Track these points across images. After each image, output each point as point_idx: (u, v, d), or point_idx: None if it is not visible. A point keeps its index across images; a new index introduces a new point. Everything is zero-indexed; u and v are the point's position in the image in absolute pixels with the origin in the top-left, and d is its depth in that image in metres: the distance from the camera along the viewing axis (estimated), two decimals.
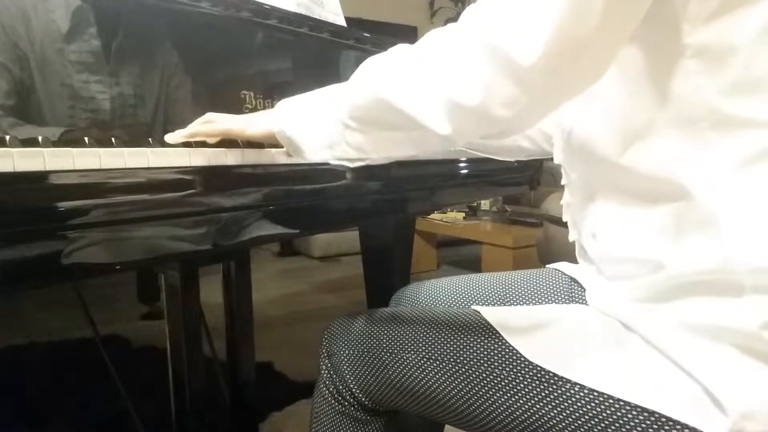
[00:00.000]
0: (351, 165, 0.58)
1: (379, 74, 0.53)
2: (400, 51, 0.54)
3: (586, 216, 0.63)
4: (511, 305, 0.79)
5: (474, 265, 3.15)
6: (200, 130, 0.64)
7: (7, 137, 0.51)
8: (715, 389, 0.48)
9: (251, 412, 1.12)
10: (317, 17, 1.01)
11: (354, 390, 0.69)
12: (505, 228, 2.91)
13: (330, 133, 0.55)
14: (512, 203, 3.61)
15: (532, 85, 0.45)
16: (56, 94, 0.65)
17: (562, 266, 0.82)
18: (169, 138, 0.64)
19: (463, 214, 3.24)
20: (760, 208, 0.48)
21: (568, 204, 0.70)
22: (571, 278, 0.80)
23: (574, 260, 0.77)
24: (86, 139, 0.56)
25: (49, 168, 0.46)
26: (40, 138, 0.51)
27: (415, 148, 0.54)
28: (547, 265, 0.85)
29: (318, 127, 0.56)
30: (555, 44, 0.43)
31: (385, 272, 1.62)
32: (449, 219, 3.15)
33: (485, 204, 3.43)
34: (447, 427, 0.95)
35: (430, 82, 0.48)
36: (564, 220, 0.71)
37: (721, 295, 0.49)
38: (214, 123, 0.65)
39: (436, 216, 3.17)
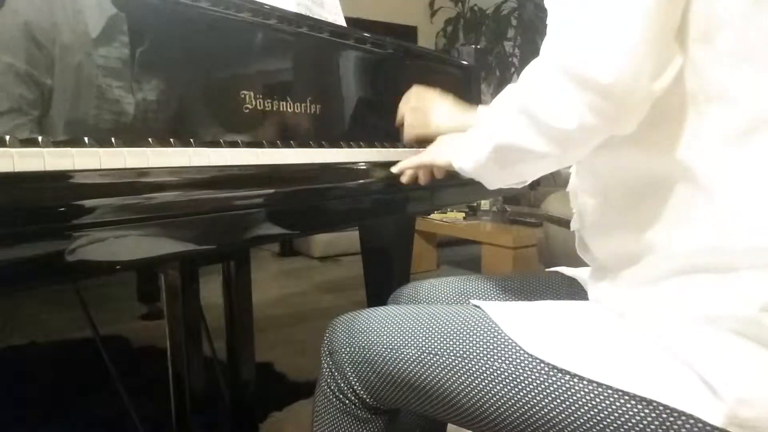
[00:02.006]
0: (517, 188, 0.74)
1: (499, 121, 0.60)
2: (510, 92, 0.59)
3: (593, 201, 0.64)
4: (511, 301, 0.80)
5: (474, 265, 3.15)
6: (406, 165, 0.83)
7: (7, 137, 0.51)
8: (710, 376, 0.49)
9: (251, 412, 1.12)
10: (317, 17, 1.01)
11: (356, 387, 0.69)
12: (505, 228, 2.91)
13: (492, 173, 0.66)
14: (512, 203, 3.61)
15: (618, 97, 0.48)
16: (82, 96, 0.66)
17: (562, 269, 0.83)
18: (394, 169, 0.84)
19: (463, 214, 3.24)
20: (755, 185, 0.49)
21: (575, 189, 0.70)
22: (571, 279, 0.80)
23: (574, 261, 0.77)
24: (86, 139, 0.56)
25: (49, 168, 0.46)
26: (39, 138, 0.51)
27: (551, 168, 0.62)
28: (546, 269, 0.85)
29: (482, 167, 0.66)
30: (628, 63, 0.47)
31: (385, 272, 1.62)
32: (449, 219, 3.15)
33: (485, 204, 3.43)
34: (449, 429, 0.95)
35: (535, 117, 0.54)
36: (572, 206, 0.72)
37: (717, 278, 0.50)
38: (418, 158, 0.82)
39: (436, 216, 3.17)
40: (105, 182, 0.50)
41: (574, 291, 0.79)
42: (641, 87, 0.49)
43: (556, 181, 3.49)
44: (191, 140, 0.72)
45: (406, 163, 0.83)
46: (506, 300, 0.81)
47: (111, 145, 0.57)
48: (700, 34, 0.50)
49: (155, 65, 0.73)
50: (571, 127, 0.51)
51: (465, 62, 1.51)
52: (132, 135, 0.70)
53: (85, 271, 0.49)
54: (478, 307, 0.66)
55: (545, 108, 0.52)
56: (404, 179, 0.83)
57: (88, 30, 0.67)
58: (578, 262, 0.75)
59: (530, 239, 2.58)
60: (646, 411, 0.51)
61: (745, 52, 0.49)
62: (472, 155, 0.67)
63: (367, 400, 0.69)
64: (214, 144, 0.76)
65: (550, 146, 0.54)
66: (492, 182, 0.68)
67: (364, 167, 0.82)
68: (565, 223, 1.84)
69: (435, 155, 0.80)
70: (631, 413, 0.52)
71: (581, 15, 0.49)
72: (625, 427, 0.52)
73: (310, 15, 1.00)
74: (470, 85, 1.45)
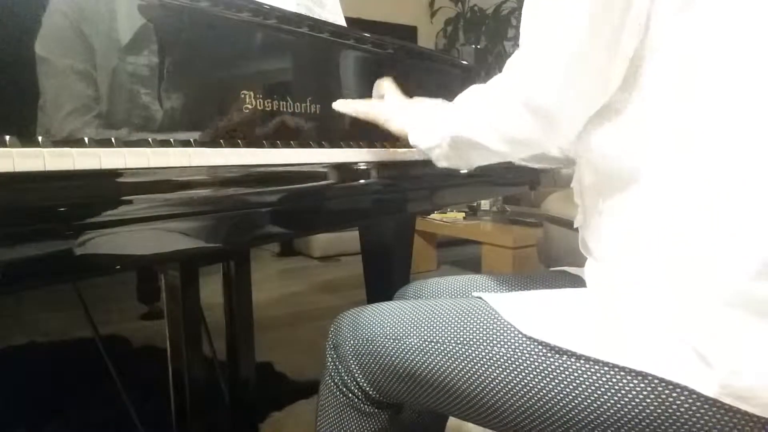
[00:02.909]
0: (462, 169, 0.78)
1: (463, 116, 0.70)
2: (476, 93, 0.70)
3: (595, 196, 0.66)
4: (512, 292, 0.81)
5: (474, 265, 3.15)
6: (358, 110, 0.89)
7: (7, 137, 0.51)
8: (703, 348, 0.50)
9: (251, 412, 1.12)
10: (317, 17, 1.01)
11: (359, 380, 0.69)
12: (505, 228, 2.91)
13: (442, 151, 0.73)
14: (512, 203, 3.60)
15: (562, 118, 0.59)
16: (116, 97, 0.68)
17: (566, 269, 0.84)
18: (336, 105, 0.90)
19: (463, 214, 3.23)
20: (727, 163, 0.52)
21: (578, 185, 0.72)
22: (575, 277, 0.81)
23: (574, 261, 0.77)
24: (86, 139, 0.56)
25: (49, 168, 0.46)
26: (39, 138, 0.51)
27: (499, 160, 0.73)
28: (551, 269, 0.86)
29: (435, 145, 0.74)
30: (568, 89, 0.57)
31: (385, 272, 1.62)
32: (449, 219, 3.15)
33: (485, 204, 3.43)
34: (449, 426, 0.95)
35: (493, 123, 0.64)
36: (576, 203, 0.74)
37: (707, 251, 0.52)
38: (368, 105, 0.89)
39: (436, 216, 3.17)
40: (105, 182, 0.50)
41: (578, 286, 0.80)
42: (573, 117, 0.60)
43: (556, 181, 3.49)
44: (191, 140, 0.72)
45: (357, 107, 0.88)
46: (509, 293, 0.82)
47: (111, 145, 0.57)
48: (662, 56, 0.55)
49: (155, 65, 0.73)
50: (523, 137, 0.62)
51: (465, 62, 1.51)
52: (132, 133, 0.70)
53: (85, 271, 0.49)
54: (480, 297, 0.67)
55: (506, 122, 0.62)
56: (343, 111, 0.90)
57: (96, 31, 0.67)
58: (579, 262, 0.76)
59: (530, 239, 2.58)
60: (642, 385, 0.52)
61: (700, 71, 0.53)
62: (429, 137, 0.75)
63: (371, 393, 0.70)
64: (214, 144, 0.76)
65: (504, 147, 0.64)
66: (438, 161, 0.76)
67: (364, 167, 0.82)
68: (565, 223, 1.84)
69: (389, 117, 0.85)
70: (627, 388, 0.53)
71: (535, 56, 0.59)
72: (623, 402, 0.53)
73: (310, 15, 1.00)
74: (470, 85, 1.45)
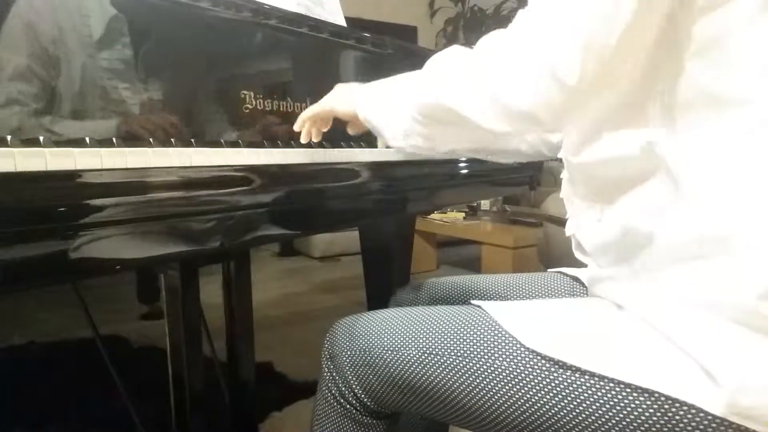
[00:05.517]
0: (423, 153, 0.67)
1: (442, 78, 0.59)
2: (460, 54, 0.60)
3: (586, 203, 0.64)
4: (511, 300, 0.80)
5: (474, 265, 3.15)
6: (302, 117, 0.78)
7: (8, 137, 0.51)
8: (709, 364, 0.49)
9: (251, 412, 1.12)
10: (317, 17, 1.01)
11: (357, 391, 0.68)
12: (505, 228, 2.91)
13: (404, 126, 0.64)
14: (512, 203, 3.61)
15: (578, 92, 0.50)
16: (86, 95, 0.67)
17: (564, 270, 0.83)
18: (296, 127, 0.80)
19: (463, 214, 3.24)
20: (717, 175, 0.50)
21: (569, 195, 0.70)
22: (573, 278, 0.80)
23: (574, 261, 0.77)
24: (87, 139, 0.56)
25: (50, 168, 0.46)
26: (41, 138, 0.51)
27: (475, 143, 0.64)
28: (549, 270, 0.85)
29: (394, 119, 0.65)
30: (592, 57, 0.48)
31: (385, 272, 1.62)
32: (449, 219, 3.15)
33: (485, 204, 3.43)
34: (451, 430, 0.95)
35: (487, 89, 0.54)
36: (567, 212, 0.72)
37: (712, 266, 0.50)
38: (315, 107, 0.77)
39: (436, 216, 3.17)
40: (106, 182, 0.50)
41: (576, 290, 0.79)
42: (592, 95, 0.52)
43: (557, 181, 3.49)
44: (192, 140, 0.72)
45: (305, 113, 0.77)
46: (508, 299, 0.81)
47: (112, 145, 0.57)
48: (701, 48, 0.50)
49: (155, 65, 0.73)
50: (529, 108, 0.51)
51: None
52: (132, 135, 0.70)
53: (85, 271, 0.49)
54: (478, 306, 0.66)
55: (510, 84, 0.52)
56: (303, 138, 0.80)
57: (91, 32, 0.67)
58: (578, 262, 0.76)
59: (530, 239, 2.58)
60: (648, 402, 0.51)
61: (743, 63, 0.50)
62: (388, 107, 0.65)
63: (369, 403, 0.68)
64: (215, 144, 0.76)
65: (498, 123, 0.54)
66: (395, 140, 0.66)
67: (364, 167, 0.82)
68: (565, 223, 1.84)
69: (335, 102, 0.76)
70: (633, 405, 0.52)
71: (566, 18, 0.49)
72: (628, 419, 0.52)
73: (310, 15, 1.00)
74: None
